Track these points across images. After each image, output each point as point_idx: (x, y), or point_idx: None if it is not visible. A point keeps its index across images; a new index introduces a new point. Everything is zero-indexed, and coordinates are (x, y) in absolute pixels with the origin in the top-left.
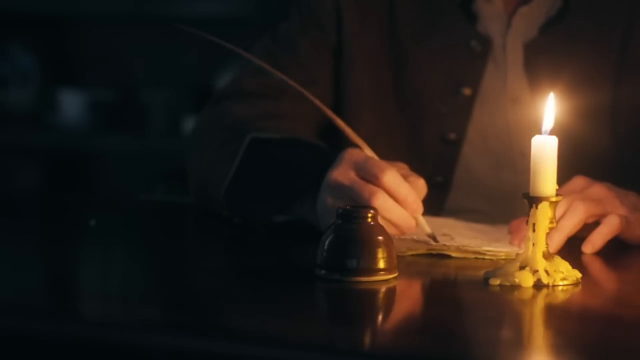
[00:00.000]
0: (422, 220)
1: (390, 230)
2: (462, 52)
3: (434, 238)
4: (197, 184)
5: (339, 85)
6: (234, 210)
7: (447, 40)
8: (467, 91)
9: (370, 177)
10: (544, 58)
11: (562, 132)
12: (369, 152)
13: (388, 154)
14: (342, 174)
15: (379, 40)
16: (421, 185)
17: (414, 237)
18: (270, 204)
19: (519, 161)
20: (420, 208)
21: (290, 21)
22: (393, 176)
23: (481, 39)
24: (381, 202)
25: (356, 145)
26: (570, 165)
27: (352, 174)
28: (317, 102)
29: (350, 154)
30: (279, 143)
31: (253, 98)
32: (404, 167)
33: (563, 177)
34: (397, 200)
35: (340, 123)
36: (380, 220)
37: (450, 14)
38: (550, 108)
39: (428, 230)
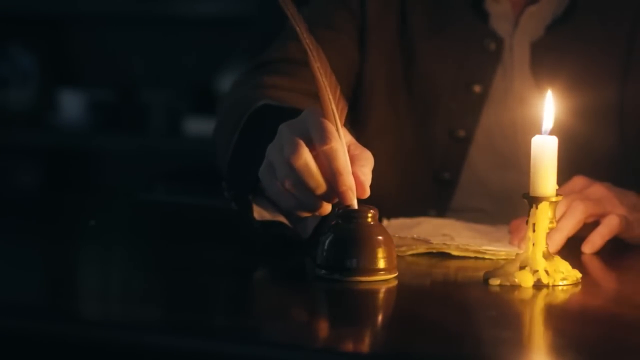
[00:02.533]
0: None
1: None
2: (474, 49)
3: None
4: (217, 153)
5: (359, 73)
6: (229, 182)
7: (459, 37)
8: (477, 89)
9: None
10: (551, 57)
11: (566, 131)
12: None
13: (397, 147)
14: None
15: (393, 32)
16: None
17: (414, 235)
18: (249, 177)
19: (523, 162)
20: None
21: (315, 5)
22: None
23: (494, 38)
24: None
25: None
26: (574, 165)
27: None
28: (317, 71)
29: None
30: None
31: (295, 64)
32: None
33: (566, 176)
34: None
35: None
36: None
37: (461, 11)
38: (550, 107)
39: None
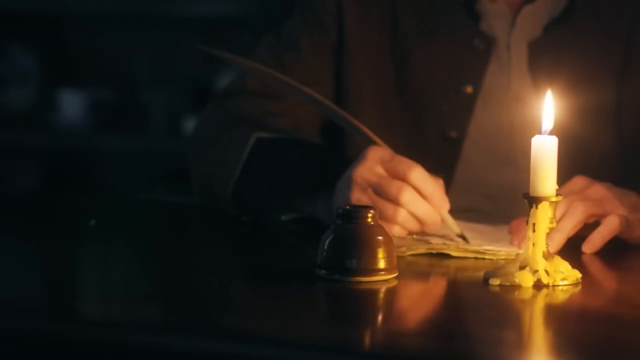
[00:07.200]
0: (449, 217)
1: (415, 226)
2: (464, 50)
3: (463, 237)
4: (202, 182)
5: (341, 83)
6: (242, 209)
7: (450, 38)
8: (468, 89)
9: (398, 174)
10: (548, 57)
11: (565, 131)
12: (390, 150)
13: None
14: (368, 169)
15: (381, 38)
16: (441, 184)
17: (414, 236)
18: (280, 202)
19: (520, 160)
20: (446, 205)
21: (293, 19)
22: (420, 173)
23: (484, 38)
24: (409, 197)
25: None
26: (573, 165)
27: (379, 170)
28: (327, 101)
29: (375, 151)
30: (285, 143)
31: (257, 97)
32: (421, 167)
33: (566, 176)
34: (424, 196)
35: (354, 121)
36: (406, 216)
37: (453, 12)
38: (550, 107)
39: (456, 229)
